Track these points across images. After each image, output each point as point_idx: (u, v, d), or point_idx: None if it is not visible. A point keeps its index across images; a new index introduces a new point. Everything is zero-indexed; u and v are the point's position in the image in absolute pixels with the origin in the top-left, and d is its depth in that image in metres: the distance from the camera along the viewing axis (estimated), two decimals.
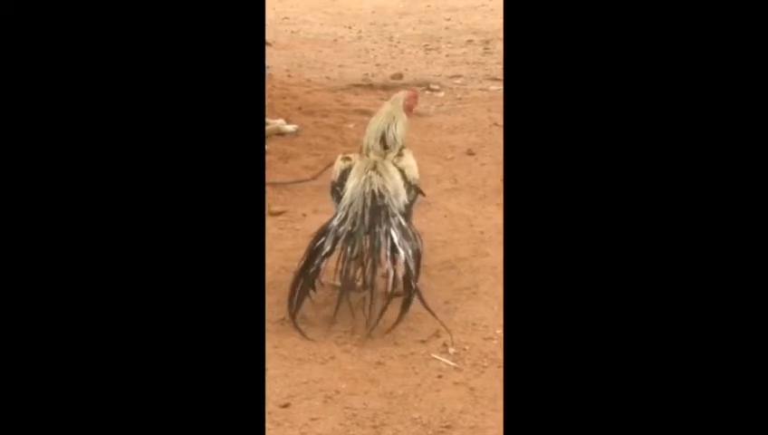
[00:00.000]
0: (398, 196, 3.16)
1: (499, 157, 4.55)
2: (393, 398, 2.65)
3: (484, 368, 2.82)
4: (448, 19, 7.59)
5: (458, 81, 5.98)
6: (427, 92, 5.74)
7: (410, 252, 3.04)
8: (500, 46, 6.72)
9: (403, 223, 3.09)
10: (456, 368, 2.82)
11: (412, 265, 3.01)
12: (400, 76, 6.02)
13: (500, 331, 3.01)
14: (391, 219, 3.07)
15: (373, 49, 6.90)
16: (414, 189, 3.24)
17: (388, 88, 5.74)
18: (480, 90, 5.82)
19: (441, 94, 5.72)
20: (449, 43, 6.95)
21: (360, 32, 7.53)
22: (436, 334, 2.99)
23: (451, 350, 2.92)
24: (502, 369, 2.80)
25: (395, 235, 3.04)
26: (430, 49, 6.80)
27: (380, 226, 3.05)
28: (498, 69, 6.21)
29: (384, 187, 3.14)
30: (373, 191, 3.11)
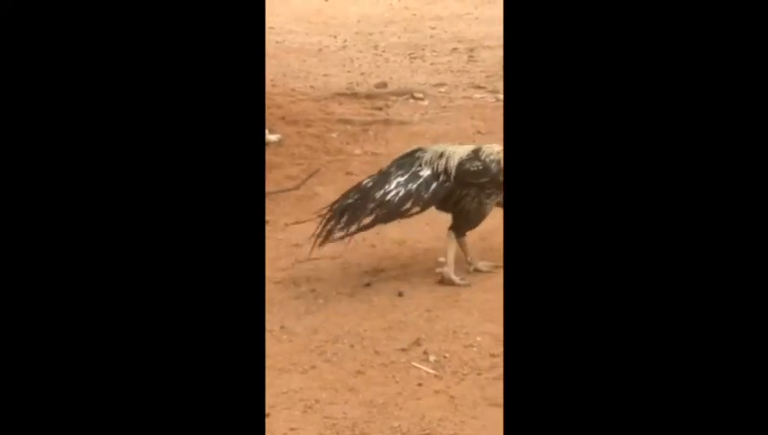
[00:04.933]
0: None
1: None
2: (373, 406, 2.66)
3: (465, 375, 2.83)
4: (433, 27, 7.61)
5: (443, 89, 6.00)
6: (412, 101, 5.77)
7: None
8: (484, 54, 6.76)
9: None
10: (436, 376, 2.84)
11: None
12: (385, 85, 6.04)
13: (480, 338, 3.03)
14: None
15: (358, 58, 6.92)
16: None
17: (372, 97, 5.77)
18: (464, 98, 5.84)
19: (425, 103, 5.74)
20: (434, 51, 6.97)
21: (345, 41, 7.55)
22: (417, 343, 3.00)
23: (431, 358, 2.93)
24: (482, 376, 2.82)
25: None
26: (415, 57, 6.82)
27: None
28: (482, 77, 6.24)
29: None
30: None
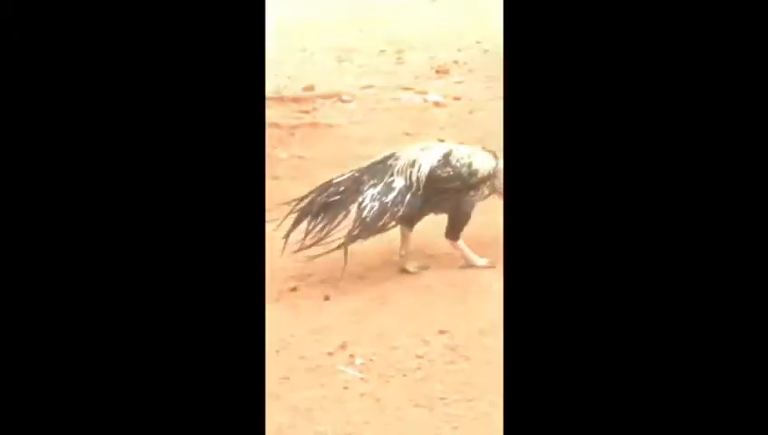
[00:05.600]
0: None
1: None
2: (297, 412, 2.64)
3: (390, 377, 2.84)
4: (361, 30, 7.59)
5: (371, 91, 5.99)
6: (339, 103, 5.75)
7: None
8: (413, 56, 6.76)
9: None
10: (362, 379, 2.83)
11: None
12: (312, 88, 6.00)
13: (406, 339, 3.03)
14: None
15: (285, 61, 6.88)
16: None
17: (299, 100, 5.73)
18: (392, 99, 5.83)
19: (353, 105, 5.72)
20: (362, 52, 6.95)
21: (271, 43, 7.51)
22: (343, 346, 2.99)
23: (358, 361, 2.92)
24: (407, 377, 2.83)
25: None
26: (343, 60, 6.80)
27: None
28: (410, 78, 6.24)
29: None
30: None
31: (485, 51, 6.80)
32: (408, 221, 3.49)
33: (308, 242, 3.40)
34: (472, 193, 3.50)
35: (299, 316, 3.23)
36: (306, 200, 3.48)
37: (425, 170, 3.46)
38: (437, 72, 6.31)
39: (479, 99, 5.73)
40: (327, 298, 3.34)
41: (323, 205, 3.44)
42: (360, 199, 3.41)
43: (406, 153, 3.55)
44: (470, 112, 5.50)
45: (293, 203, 3.49)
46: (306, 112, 5.54)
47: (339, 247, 3.38)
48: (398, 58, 6.75)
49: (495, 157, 3.53)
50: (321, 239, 3.40)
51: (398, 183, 3.45)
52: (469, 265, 3.50)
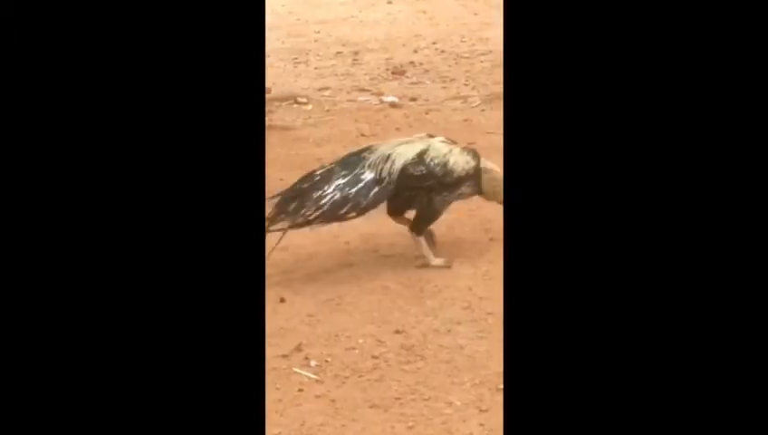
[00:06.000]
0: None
1: None
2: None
3: (346, 378, 2.83)
4: (317, 32, 7.58)
5: (326, 93, 5.99)
6: (295, 105, 5.74)
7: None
8: (368, 57, 6.77)
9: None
10: (317, 381, 2.82)
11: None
12: (268, 90, 5.98)
13: (362, 340, 3.02)
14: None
15: None
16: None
17: None
18: (348, 101, 5.84)
19: (309, 107, 5.72)
20: (318, 55, 6.95)
21: None
22: (298, 348, 2.98)
23: (313, 363, 2.91)
24: (363, 378, 2.82)
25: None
26: (299, 62, 6.79)
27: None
28: (366, 80, 6.24)
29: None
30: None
31: (441, 52, 6.82)
32: (398, 216, 3.57)
33: (278, 226, 3.46)
34: (446, 193, 3.52)
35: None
36: (287, 188, 3.55)
37: (397, 167, 3.48)
38: (393, 73, 6.32)
39: (435, 99, 5.75)
40: (282, 300, 3.33)
41: (298, 191, 3.50)
42: (325, 188, 3.45)
43: (382, 147, 3.58)
44: (426, 113, 5.52)
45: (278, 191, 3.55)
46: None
47: (289, 229, 3.46)
48: (355, 59, 6.75)
49: (476, 156, 3.54)
50: (280, 222, 3.45)
51: (368, 176, 3.48)
52: (425, 263, 3.51)
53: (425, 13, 7.92)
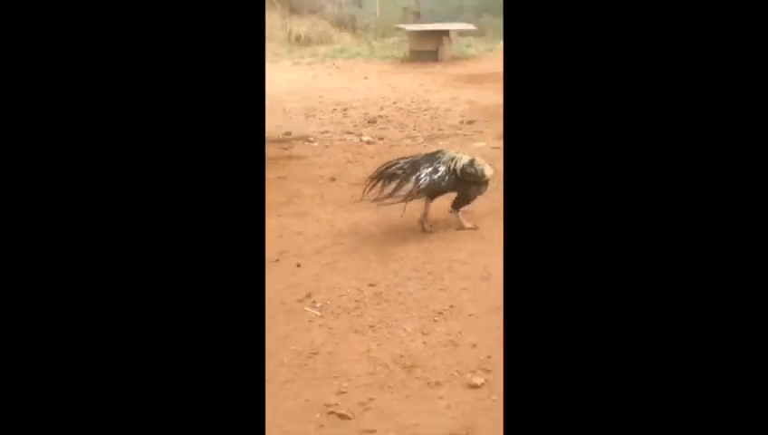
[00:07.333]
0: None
1: (351, 180, 4.56)
2: (275, 337, 2.61)
3: (338, 315, 2.81)
4: (321, 96, 7.55)
5: (326, 134, 5.96)
6: (306, 143, 5.71)
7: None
8: (353, 112, 6.74)
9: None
10: (320, 316, 2.79)
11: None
12: (290, 133, 5.96)
13: (349, 290, 3.02)
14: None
15: (272, 116, 6.80)
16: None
17: (281, 141, 5.69)
18: (340, 140, 5.81)
19: (315, 144, 5.69)
20: (321, 111, 6.91)
21: (266, 105, 7.38)
22: (309, 295, 2.96)
23: (318, 304, 2.89)
24: (350, 314, 2.80)
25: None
26: (309, 115, 6.76)
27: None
28: (351, 126, 6.21)
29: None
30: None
31: (399, 108, 6.84)
32: (434, 195, 3.59)
33: (374, 197, 3.48)
34: (476, 187, 3.62)
35: (277, 277, 3.20)
36: (377, 171, 3.58)
37: (459, 166, 3.57)
38: (368, 122, 6.34)
39: (395, 139, 5.76)
40: (298, 265, 3.32)
41: (390, 175, 3.53)
42: (418, 174, 3.52)
43: (448, 153, 3.65)
44: (390, 148, 5.51)
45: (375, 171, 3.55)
46: (285, 149, 5.50)
47: (404, 201, 3.47)
48: (344, 113, 6.74)
49: (492, 169, 3.67)
50: (388, 197, 3.48)
51: (442, 169, 3.55)
52: (460, 227, 3.60)
53: (389, 84, 7.96)
